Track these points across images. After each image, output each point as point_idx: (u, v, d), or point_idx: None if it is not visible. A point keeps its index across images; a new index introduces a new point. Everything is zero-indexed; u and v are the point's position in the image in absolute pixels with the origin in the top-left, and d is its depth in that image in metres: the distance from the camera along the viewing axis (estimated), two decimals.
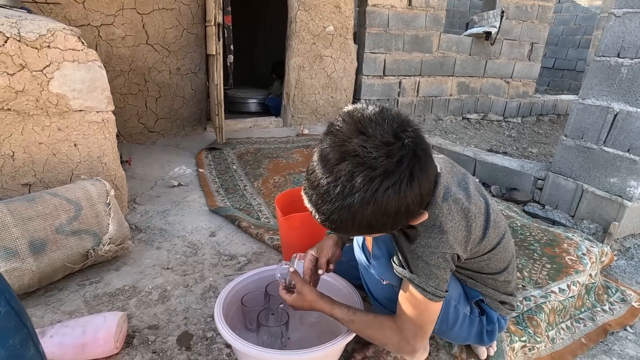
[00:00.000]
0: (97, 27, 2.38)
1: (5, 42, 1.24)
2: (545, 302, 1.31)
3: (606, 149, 1.98)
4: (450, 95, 4.35)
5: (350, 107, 0.62)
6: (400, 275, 0.73)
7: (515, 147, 3.63)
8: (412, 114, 4.18)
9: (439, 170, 0.72)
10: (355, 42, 3.66)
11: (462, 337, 0.87)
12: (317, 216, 0.61)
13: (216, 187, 2.09)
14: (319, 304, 0.81)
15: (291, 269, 0.88)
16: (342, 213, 0.57)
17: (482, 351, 1.00)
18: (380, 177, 0.54)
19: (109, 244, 1.19)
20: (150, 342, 0.95)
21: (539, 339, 1.18)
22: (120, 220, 1.26)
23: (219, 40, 2.35)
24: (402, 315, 0.74)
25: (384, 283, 0.80)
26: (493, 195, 2.46)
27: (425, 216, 0.65)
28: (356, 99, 3.86)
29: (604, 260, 1.76)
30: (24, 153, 1.34)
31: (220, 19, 2.31)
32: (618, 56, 1.91)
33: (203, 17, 2.74)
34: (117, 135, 2.08)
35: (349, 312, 0.80)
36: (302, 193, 0.64)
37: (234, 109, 3.89)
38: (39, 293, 1.10)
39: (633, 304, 1.59)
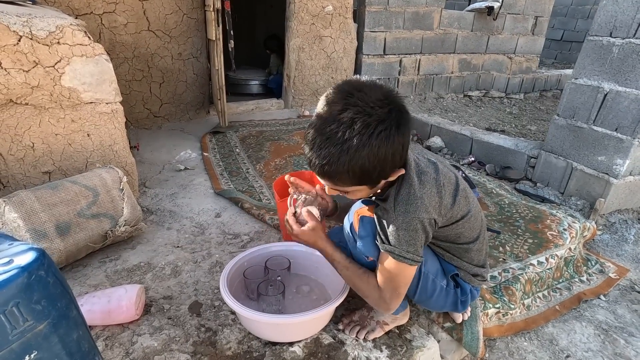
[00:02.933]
0: (99, 16, 2.44)
1: (19, 40, 1.33)
2: (522, 274, 1.43)
3: (595, 128, 2.04)
4: (452, 73, 4.34)
5: (344, 80, 0.75)
6: (382, 249, 0.84)
7: (514, 125, 3.66)
8: (412, 92, 4.20)
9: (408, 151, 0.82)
10: (355, 21, 3.65)
11: (439, 305, 1.00)
12: (317, 162, 0.72)
13: (220, 170, 2.20)
14: (324, 243, 0.91)
15: (304, 209, 0.94)
16: (341, 156, 0.69)
17: (458, 316, 1.14)
18: (375, 122, 0.68)
19: (124, 225, 1.33)
20: (165, 310, 1.10)
21: (512, 306, 1.31)
22: (133, 204, 1.39)
23: (218, 25, 2.40)
24: (383, 278, 0.86)
25: (368, 260, 0.91)
26: (487, 174, 2.54)
27: (402, 171, 0.78)
28: None
29: (586, 235, 1.87)
30: (42, 144, 1.45)
31: (219, 5, 2.35)
32: (610, 35, 1.93)
33: (202, 2, 2.76)
34: (124, 122, 2.18)
35: (347, 260, 0.91)
36: (305, 142, 0.75)
37: (236, 91, 3.94)
38: (67, 269, 1.25)
39: (610, 274, 1.71)
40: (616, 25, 1.91)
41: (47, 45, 1.39)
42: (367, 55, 3.79)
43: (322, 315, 0.94)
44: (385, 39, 3.80)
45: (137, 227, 1.39)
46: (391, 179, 0.78)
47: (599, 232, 2.02)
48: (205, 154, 2.44)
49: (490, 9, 4.02)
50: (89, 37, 1.49)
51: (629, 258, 1.86)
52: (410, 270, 0.85)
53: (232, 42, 2.66)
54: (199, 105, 3.13)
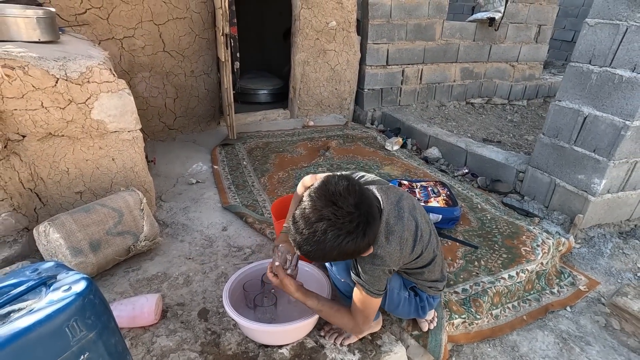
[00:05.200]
0: (120, 40, 2.68)
1: (57, 82, 1.56)
2: (491, 287, 1.61)
3: (576, 148, 2.18)
4: (454, 81, 4.46)
5: (325, 179, 0.90)
6: (355, 281, 1.04)
7: (512, 135, 3.77)
8: (415, 100, 4.34)
9: (381, 206, 1.00)
10: (358, 34, 3.81)
11: (405, 313, 1.20)
12: (298, 251, 0.92)
13: (228, 183, 2.43)
14: (295, 294, 1.13)
15: (276, 264, 1.19)
16: (317, 253, 0.89)
17: (424, 325, 1.33)
18: (344, 235, 0.85)
19: (144, 240, 1.56)
20: (179, 315, 1.33)
21: (478, 317, 1.50)
22: (152, 222, 1.62)
23: (227, 48, 2.61)
24: (355, 308, 1.07)
25: (342, 281, 1.12)
26: (479, 186, 2.70)
27: (371, 250, 0.97)
28: (360, 88, 4.05)
29: (561, 249, 2.03)
30: (75, 168, 1.69)
31: (227, 30, 2.56)
32: (590, 63, 2.07)
33: (213, 23, 2.98)
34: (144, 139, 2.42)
35: (319, 304, 1.12)
36: (289, 234, 0.93)
37: (246, 100, 4.15)
38: (97, 279, 1.49)
39: (580, 287, 1.87)
40: (595, 53, 2.04)
41: (79, 84, 1.62)
42: (371, 66, 3.94)
43: (305, 324, 1.15)
44: (388, 50, 3.95)
45: (155, 241, 1.63)
46: (365, 254, 0.97)
47: (577, 246, 2.17)
48: (215, 166, 2.66)
49: (491, 20, 4.12)
50: (113, 75, 1.72)
51: (602, 271, 2.01)
52: (377, 302, 1.05)
53: (237, 63, 2.87)
54: (210, 118, 3.36)
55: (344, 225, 0.84)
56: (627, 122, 1.91)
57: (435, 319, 1.36)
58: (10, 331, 0.68)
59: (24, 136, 1.56)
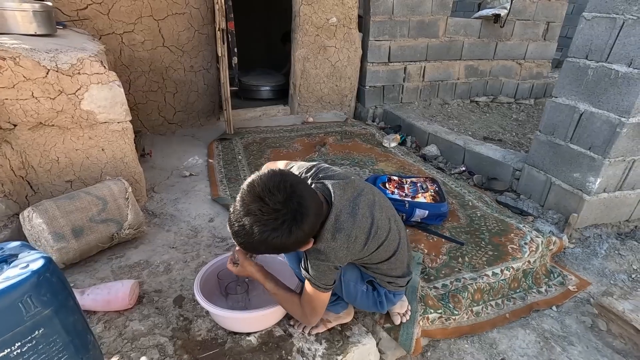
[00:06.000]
0: (120, 35, 2.73)
1: (47, 73, 1.60)
2: (472, 283, 1.59)
3: (572, 145, 2.13)
4: (458, 79, 4.39)
5: (259, 174, 0.89)
6: (304, 275, 1.04)
7: (514, 133, 3.70)
8: (417, 98, 4.30)
9: (333, 200, 0.99)
10: (360, 31, 3.79)
11: (365, 305, 1.20)
12: (234, 240, 0.92)
13: (221, 177, 2.45)
14: (255, 275, 1.14)
15: (237, 248, 1.19)
16: (247, 245, 0.90)
17: (397, 318, 1.32)
18: (269, 231, 0.85)
19: (128, 229, 1.59)
20: (154, 301, 1.35)
21: (456, 312, 1.48)
22: (137, 211, 1.65)
23: (223, 43, 2.63)
24: (304, 299, 1.07)
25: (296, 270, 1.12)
26: (474, 184, 2.66)
27: (311, 244, 0.95)
28: (362, 85, 4.03)
29: (552, 248, 1.98)
30: (65, 157, 1.74)
31: (224, 25, 2.58)
32: (586, 58, 2.01)
33: (212, 19, 3.01)
34: (139, 131, 2.47)
35: (275, 287, 1.12)
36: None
37: (248, 96, 4.18)
38: (81, 264, 1.53)
39: (569, 287, 1.83)
40: (591, 48, 1.98)
41: (70, 75, 1.66)
42: (372, 63, 3.92)
43: (271, 312, 1.16)
44: (389, 47, 3.92)
45: (139, 230, 1.66)
46: (302, 249, 0.96)
47: (571, 246, 2.12)
48: (210, 160, 2.69)
49: (497, 17, 4.05)
50: (104, 67, 1.76)
51: (595, 272, 1.96)
52: (324, 296, 1.05)
53: (235, 58, 2.89)
54: (210, 113, 3.40)
55: (269, 222, 0.84)
56: (623, 119, 1.85)
57: (409, 313, 1.35)
58: None
59: (15, 125, 1.61)
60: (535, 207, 2.37)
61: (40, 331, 0.80)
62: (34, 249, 0.88)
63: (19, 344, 0.77)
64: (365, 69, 3.94)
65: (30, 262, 0.82)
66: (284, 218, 0.84)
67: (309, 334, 1.21)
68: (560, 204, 2.24)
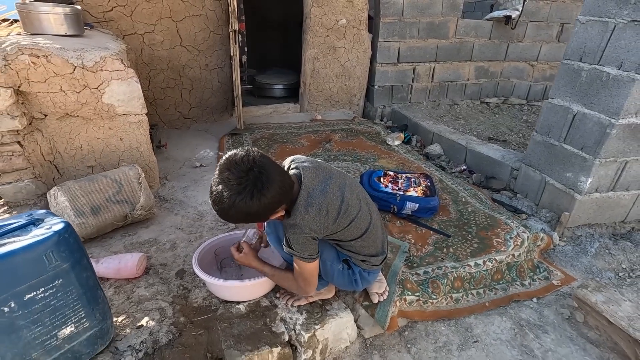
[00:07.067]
0: (141, 35, 2.95)
1: (74, 70, 1.81)
2: (452, 272, 1.69)
3: (565, 146, 2.18)
4: (468, 80, 4.43)
5: (228, 154, 1.04)
6: (286, 251, 1.17)
7: (521, 135, 3.72)
8: (426, 98, 4.36)
9: (302, 180, 1.13)
10: (369, 32, 3.90)
11: (342, 283, 1.33)
12: (213, 209, 1.06)
13: None
14: (254, 263, 1.29)
15: (243, 239, 1.36)
16: (221, 212, 1.04)
17: (375, 297, 1.44)
18: (235, 195, 0.99)
19: (140, 210, 1.77)
20: (159, 273, 1.52)
21: (434, 297, 1.58)
22: (148, 194, 1.83)
23: (235, 44, 2.81)
24: (295, 273, 1.21)
25: (282, 251, 1.27)
26: (473, 183, 2.73)
27: (280, 214, 1.10)
28: (370, 85, 4.14)
29: (540, 244, 2.05)
30: (87, 145, 1.95)
31: (236, 27, 2.76)
32: (580, 60, 2.06)
33: (226, 20, 3.19)
34: (155, 125, 2.67)
35: (272, 270, 1.28)
36: None
37: (262, 94, 4.36)
38: (97, 240, 1.72)
39: (553, 281, 1.89)
40: (585, 51, 2.03)
41: (93, 72, 1.86)
42: (381, 63, 4.02)
43: (257, 283, 1.31)
44: (399, 48, 4.00)
45: (150, 211, 1.84)
46: (273, 217, 1.10)
47: (562, 244, 2.17)
48: (221, 153, 2.87)
49: (508, 18, 4.06)
50: (124, 64, 1.95)
51: (582, 269, 2.01)
52: (311, 265, 1.17)
53: (244, 57, 3.06)
54: (223, 109, 3.59)
55: (233, 187, 0.99)
56: (613, 120, 1.90)
57: (386, 293, 1.46)
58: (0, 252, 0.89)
59: (45, 115, 1.82)
60: (530, 205, 2.43)
61: (59, 281, 0.97)
62: (57, 216, 1.06)
63: (43, 289, 0.94)
64: (374, 69, 4.04)
65: (53, 225, 0.99)
66: (246, 183, 0.99)
67: (292, 305, 1.35)
68: (554, 203, 2.29)
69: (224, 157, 1.04)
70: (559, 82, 2.21)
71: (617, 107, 1.88)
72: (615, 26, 1.87)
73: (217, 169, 1.03)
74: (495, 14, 4.16)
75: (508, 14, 4.05)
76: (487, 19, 4.22)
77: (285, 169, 1.21)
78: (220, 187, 1.00)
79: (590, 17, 1.99)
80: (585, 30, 2.03)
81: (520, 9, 4.04)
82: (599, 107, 1.97)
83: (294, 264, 1.19)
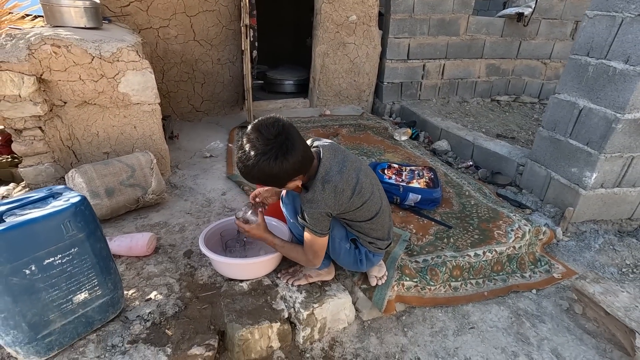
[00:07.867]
0: (156, 29, 3.05)
1: (92, 60, 1.90)
2: (451, 260, 1.72)
3: (571, 141, 2.18)
4: (478, 78, 4.41)
5: (259, 118, 1.11)
6: (301, 223, 1.24)
7: (531, 132, 3.69)
8: (436, 95, 4.36)
9: (322, 157, 1.19)
10: (380, 28, 3.93)
11: (346, 262, 1.38)
12: (237, 167, 1.13)
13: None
14: (265, 234, 1.34)
15: (249, 212, 1.40)
16: (245, 170, 1.10)
17: (373, 280, 1.49)
18: (260, 155, 1.05)
19: (151, 194, 1.86)
20: (168, 252, 1.60)
21: (432, 284, 1.62)
22: (160, 180, 1.92)
23: (246, 38, 2.88)
24: (305, 246, 1.27)
25: (291, 221, 1.32)
26: (479, 178, 2.74)
27: (298, 183, 1.16)
28: (380, 81, 4.16)
29: (542, 238, 2.06)
30: (104, 132, 2.04)
31: (247, 21, 2.83)
32: (587, 55, 2.06)
33: (238, 15, 3.26)
34: (168, 116, 2.76)
35: (282, 242, 1.34)
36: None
37: (272, 89, 4.43)
38: (111, 221, 1.81)
39: (554, 274, 1.91)
40: (592, 46, 2.03)
41: (110, 62, 1.95)
42: (391, 60, 4.04)
43: (260, 261, 1.37)
44: (409, 44, 4.02)
45: (161, 196, 1.93)
46: (291, 185, 1.16)
47: (565, 239, 2.18)
48: (230, 145, 2.95)
49: (520, 15, 4.03)
50: (139, 55, 2.04)
51: (585, 264, 2.02)
52: (321, 240, 1.24)
53: (255, 52, 3.13)
54: (234, 103, 3.67)
55: (261, 147, 1.05)
56: (618, 115, 1.90)
57: (385, 277, 1.51)
58: (23, 219, 0.97)
59: (65, 102, 1.92)
60: (535, 201, 2.43)
61: (75, 250, 1.05)
62: (74, 191, 1.14)
63: (60, 255, 1.02)
64: (383, 65, 4.06)
65: (70, 198, 1.07)
66: (272, 145, 1.05)
67: (292, 284, 1.41)
68: (558, 198, 2.29)
69: (255, 121, 1.10)
70: (566, 77, 2.21)
71: (623, 102, 1.88)
72: (622, 20, 1.86)
73: (248, 130, 1.09)
74: (508, 11, 4.13)
75: (520, 11, 4.02)
76: (499, 16, 4.20)
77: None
78: (247, 145, 1.07)
79: (598, 12, 1.99)
80: (593, 25, 2.03)
81: (533, 6, 4.01)
82: (605, 101, 1.97)
83: (305, 237, 1.25)
